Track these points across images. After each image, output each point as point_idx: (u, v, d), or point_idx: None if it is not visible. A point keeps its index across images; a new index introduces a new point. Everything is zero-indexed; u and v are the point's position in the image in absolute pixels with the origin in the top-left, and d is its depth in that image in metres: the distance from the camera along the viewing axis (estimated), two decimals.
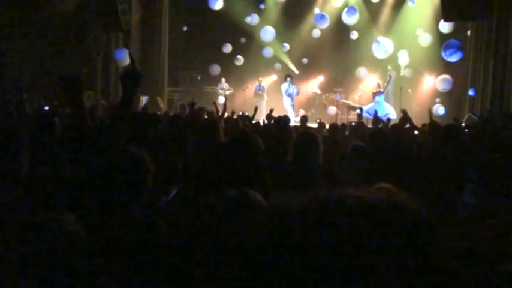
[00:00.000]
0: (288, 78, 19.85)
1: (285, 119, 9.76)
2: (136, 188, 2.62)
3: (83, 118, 2.96)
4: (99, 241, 2.29)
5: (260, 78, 21.45)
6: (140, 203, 2.65)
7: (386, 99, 19.01)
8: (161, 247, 2.33)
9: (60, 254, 1.80)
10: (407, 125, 9.26)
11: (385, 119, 11.39)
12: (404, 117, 9.65)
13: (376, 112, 13.11)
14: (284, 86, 19.88)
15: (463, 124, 13.03)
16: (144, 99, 18.21)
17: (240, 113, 12.30)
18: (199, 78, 22.54)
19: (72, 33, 16.92)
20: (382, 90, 18.51)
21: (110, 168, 2.63)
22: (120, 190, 2.58)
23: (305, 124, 11.82)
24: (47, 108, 11.82)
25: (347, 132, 10.15)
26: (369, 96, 19.14)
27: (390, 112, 17.22)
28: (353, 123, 11.59)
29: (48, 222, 1.85)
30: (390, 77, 19.46)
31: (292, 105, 19.72)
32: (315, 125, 12.88)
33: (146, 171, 2.66)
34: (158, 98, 18.84)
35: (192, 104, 9.81)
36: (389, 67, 20.36)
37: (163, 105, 18.90)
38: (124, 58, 16.96)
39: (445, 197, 4.76)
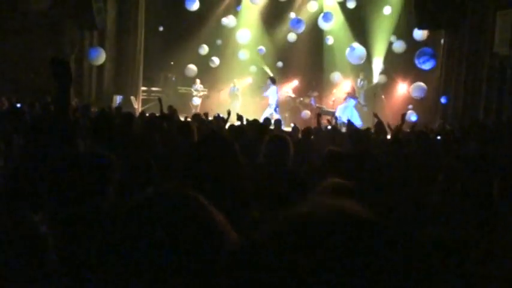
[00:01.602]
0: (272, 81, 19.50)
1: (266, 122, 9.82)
2: (98, 186, 2.62)
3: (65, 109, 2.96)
4: (63, 239, 2.29)
5: (235, 80, 21.48)
6: (105, 201, 2.64)
7: (358, 106, 19.14)
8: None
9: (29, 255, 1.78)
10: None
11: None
12: (378, 122, 9.77)
13: (349, 120, 13.25)
14: (273, 90, 19.44)
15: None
16: (118, 99, 18.07)
17: (216, 115, 12.28)
18: (173, 78, 22.46)
19: (46, 30, 16.71)
20: (356, 96, 18.65)
21: (70, 167, 2.61)
22: (82, 188, 2.56)
23: (279, 127, 11.86)
24: (19, 105, 11.64)
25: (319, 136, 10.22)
26: (342, 98, 19.16)
27: (358, 122, 17.26)
28: (328, 127, 11.67)
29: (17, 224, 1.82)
30: (363, 85, 19.77)
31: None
32: (289, 129, 12.94)
33: (109, 170, 2.66)
34: (132, 97, 18.70)
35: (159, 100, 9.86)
36: (361, 76, 20.54)
37: (137, 105, 18.78)
38: (98, 57, 16.82)
39: (415, 199, 4.83)
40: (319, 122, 11.71)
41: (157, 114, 9.77)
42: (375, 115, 10.73)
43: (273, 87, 19.23)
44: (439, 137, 9.52)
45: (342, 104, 18.61)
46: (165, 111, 10.23)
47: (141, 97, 19.99)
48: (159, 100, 10.65)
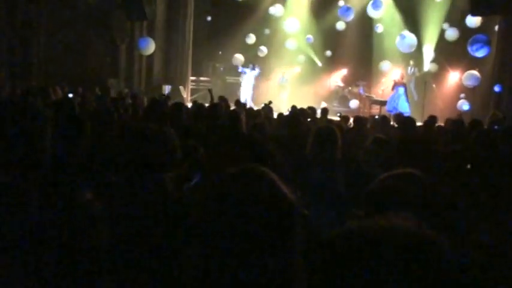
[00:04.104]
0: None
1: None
2: (166, 160, 2.67)
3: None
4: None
5: (283, 70, 21.40)
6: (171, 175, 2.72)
7: (408, 94, 18.68)
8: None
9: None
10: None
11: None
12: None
13: (397, 110, 13.00)
14: (253, 74, 19.57)
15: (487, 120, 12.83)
16: (167, 88, 18.29)
17: (263, 105, 12.27)
18: (222, 68, 22.58)
19: (97, 21, 17.01)
20: (405, 82, 18.21)
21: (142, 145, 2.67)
22: (154, 163, 2.61)
23: (326, 116, 11.76)
24: (71, 95, 11.91)
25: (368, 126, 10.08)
26: (389, 91, 18.73)
27: (406, 110, 16.90)
28: (376, 117, 11.49)
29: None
30: (414, 73, 19.35)
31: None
32: (335, 118, 12.79)
33: (173, 145, 2.72)
34: (180, 87, 18.91)
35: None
36: (411, 62, 20.13)
37: (185, 95, 18.96)
38: (148, 47, 17.02)
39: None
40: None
41: (206, 104, 9.83)
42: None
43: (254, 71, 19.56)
44: (496, 127, 9.16)
45: (391, 94, 18.19)
46: (216, 101, 10.31)
47: (189, 87, 20.18)
48: (209, 91, 10.77)
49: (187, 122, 6.67)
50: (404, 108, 16.97)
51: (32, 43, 16.22)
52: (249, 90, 19.27)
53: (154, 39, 17.50)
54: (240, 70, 19.87)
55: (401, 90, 17.83)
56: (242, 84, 19.70)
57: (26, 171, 2.36)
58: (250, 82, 19.43)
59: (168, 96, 14.01)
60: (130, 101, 11.25)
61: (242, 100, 17.56)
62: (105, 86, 14.44)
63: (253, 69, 19.41)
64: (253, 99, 19.22)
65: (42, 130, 2.90)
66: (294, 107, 11.04)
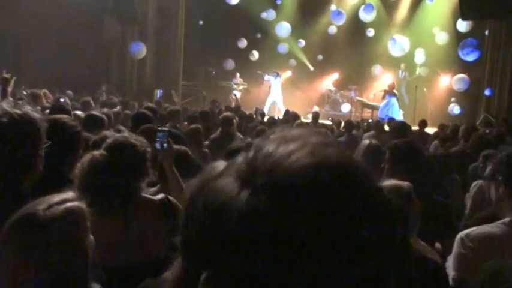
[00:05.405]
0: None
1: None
2: (136, 173, 2.69)
3: None
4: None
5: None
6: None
7: (399, 99, 18.69)
8: None
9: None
10: None
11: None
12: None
13: (389, 116, 13.00)
14: (279, 80, 20.14)
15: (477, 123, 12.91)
16: (158, 93, 18.25)
17: (255, 109, 12.30)
18: (214, 72, 22.55)
19: (87, 26, 16.94)
20: (396, 92, 18.15)
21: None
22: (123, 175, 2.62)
23: (317, 120, 11.78)
24: (62, 100, 11.84)
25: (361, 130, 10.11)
26: (381, 94, 18.69)
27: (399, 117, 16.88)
28: (370, 120, 11.54)
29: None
30: (405, 77, 19.42)
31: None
32: (327, 122, 12.82)
33: (143, 157, 2.74)
34: (172, 91, 18.86)
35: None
36: (402, 66, 20.21)
37: (177, 99, 18.93)
38: (139, 51, 16.98)
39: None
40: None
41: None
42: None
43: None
44: (487, 131, 9.17)
45: (382, 102, 18.15)
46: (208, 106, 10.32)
47: (181, 91, 20.14)
48: (203, 97, 10.77)
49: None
50: (398, 116, 16.96)
51: (21, 46, 16.16)
52: (276, 97, 19.70)
53: (145, 43, 17.47)
54: (266, 79, 20.38)
55: (393, 100, 17.83)
56: (270, 92, 20.16)
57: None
58: (278, 89, 19.78)
59: (159, 101, 13.99)
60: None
61: (267, 107, 18.15)
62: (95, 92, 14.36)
63: (277, 76, 19.82)
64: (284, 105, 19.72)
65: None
66: (287, 111, 11.07)
